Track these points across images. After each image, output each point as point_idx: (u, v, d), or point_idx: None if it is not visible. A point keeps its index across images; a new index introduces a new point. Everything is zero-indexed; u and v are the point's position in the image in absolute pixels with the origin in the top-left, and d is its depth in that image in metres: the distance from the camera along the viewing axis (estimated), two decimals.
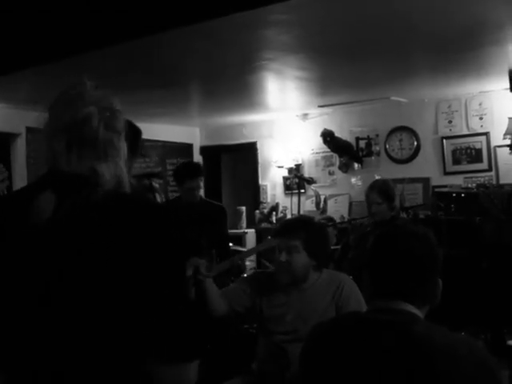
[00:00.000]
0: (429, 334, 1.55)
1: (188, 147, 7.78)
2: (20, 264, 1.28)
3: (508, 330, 4.09)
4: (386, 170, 6.62)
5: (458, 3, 3.25)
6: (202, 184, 4.65)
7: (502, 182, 5.96)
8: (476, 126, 6.14)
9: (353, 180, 6.85)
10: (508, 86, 5.05)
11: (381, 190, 4.51)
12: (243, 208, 7.54)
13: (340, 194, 6.90)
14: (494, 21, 3.60)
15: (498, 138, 5.94)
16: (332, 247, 5.72)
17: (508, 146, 5.74)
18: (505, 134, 5.75)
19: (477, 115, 6.13)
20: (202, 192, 4.82)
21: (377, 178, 6.60)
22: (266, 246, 4.32)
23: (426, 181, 6.40)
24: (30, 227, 1.28)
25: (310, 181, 5.60)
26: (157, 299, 1.25)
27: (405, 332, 1.56)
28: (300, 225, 2.99)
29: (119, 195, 1.35)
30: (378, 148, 6.73)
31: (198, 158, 8.08)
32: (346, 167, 6.85)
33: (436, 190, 6.15)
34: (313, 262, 2.88)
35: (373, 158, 6.74)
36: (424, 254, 1.68)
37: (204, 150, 8.11)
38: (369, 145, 6.76)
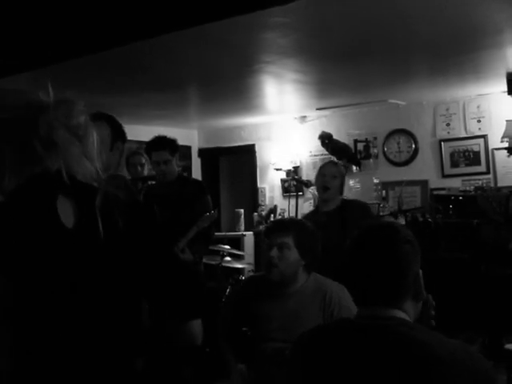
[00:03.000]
0: (425, 340, 1.52)
1: (186, 150, 7.79)
2: (52, 265, 1.39)
3: (506, 333, 4.09)
4: (384, 173, 6.64)
5: (456, 7, 3.26)
6: (174, 160, 4.43)
7: (499, 184, 5.97)
8: (474, 128, 6.15)
9: (351, 183, 6.85)
10: (506, 89, 5.06)
11: (338, 165, 4.58)
12: (241, 210, 7.53)
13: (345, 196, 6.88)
14: (492, 25, 3.61)
15: (495, 141, 5.95)
16: None
17: (506, 148, 5.74)
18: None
19: (475, 118, 6.14)
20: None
21: (375, 181, 6.64)
22: (210, 218, 4.36)
23: (424, 183, 6.40)
24: (61, 231, 1.41)
25: (308, 183, 5.59)
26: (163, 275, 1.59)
27: (400, 337, 1.53)
28: (292, 223, 3.09)
29: (115, 198, 1.51)
30: (376, 151, 6.74)
31: (196, 160, 8.10)
32: (344, 170, 6.82)
33: (434, 192, 6.15)
34: (303, 261, 2.92)
35: (371, 160, 6.75)
36: (399, 254, 1.62)
37: (202, 153, 8.11)
38: (367, 147, 6.77)
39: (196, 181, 5.39)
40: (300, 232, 2.95)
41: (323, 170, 4.37)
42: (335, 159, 6.74)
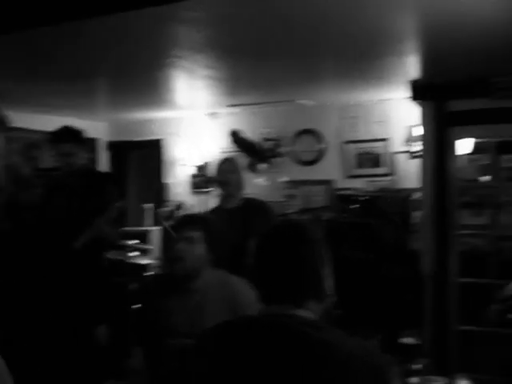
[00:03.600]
0: (326, 339, 1.54)
1: (94, 142, 7.62)
2: None
3: (402, 329, 4.27)
4: (291, 172, 6.77)
5: (362, 14, 3.37)
6: (80, 152, 4.30)
7: (400, 186, 6.21)
8: (377, 131, 6.38)
9: (258, 181, 6.94)
10: (407, 95, 5.29)
11: (235, 161, 4.64)
12: (148, 206, 7.47)
13: (246, 195, 6.94)
14: (394, 34, 3.76)
15: (397, 145, 6.20)
16: None
17: (406, 152, 6.00)
18: (404, 141, 6.01)
19: (378, 121, 6.37)
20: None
21: (282, 179, 6.75)
22: (119, 208, 4.35)
23: (329, 183, 6.58)
24: None
25: (216, 180, 5.62)
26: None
27: (301, 336, 1.54)
28: (201, 218, 3.14)
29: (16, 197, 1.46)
30: (284, 150, 6.86)
31: (104, 153, 7.94)
32: (252, 168, 6.92)
33: (339, 192, 6.33)
34: (209, 256, 2.98)
35: (279, 159, 6.87)
36: (304, 254, 1.65)
37: (111, 146, 7.97)
38: (275, 146, 6.88)
39: (102, 172, 5.30)
40: (208, 228, 3.00)
41: (221, 166, 4.47)
42: (245, 156, 6.83)
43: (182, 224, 3.08)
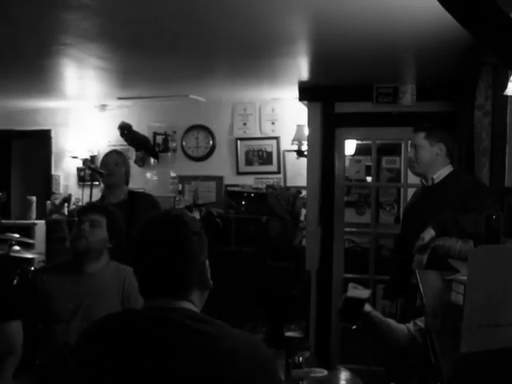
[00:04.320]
0: (210, 332, 1.54)
1: None
2: None
3: (286, 322, 4.39)
4: (181, 167, 6.76)
5: (255, 15, 3.43)
6: None
7: (288, 184, 6.37)
8: (268, 130, 6.50)
9: (148, 175, 6.89)
10: (297, 95, 5.43)
11: (121, 153, 4.63)
12: (33, 198, 7.20)
13: (135, 189, 6.86)
14: (286, 35, 3.84)
15: (287, 143, 6.34)
16: None
17: (295, 151, 6.16)
18: (293, 140, 6.16)
19: (269, 120, 6.49)
20: None
21: (172, 174, 6.74)
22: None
23: (219, 179, 6.63)
24: None
25: (103, 173, 5.51)
26: None
27: (185, 329, 1.54)
28: (106, 207, 3.28)
29: None
30: (174, 144, 6.83)
31: None
32: (142, 162, 6.86)
33: (228, 188, 6.40)
34: (109, 243, 3.09)
35: (169, 154, 6.84)
36: (183, 245, 1.63)
37: None
38: (166, 141, 6.84)
39: None
40: (112, 217, 3.13)
41: (105, 158, 4.45)
42: (135, 150, 6.76)
43: (87, 209, 3.18)
